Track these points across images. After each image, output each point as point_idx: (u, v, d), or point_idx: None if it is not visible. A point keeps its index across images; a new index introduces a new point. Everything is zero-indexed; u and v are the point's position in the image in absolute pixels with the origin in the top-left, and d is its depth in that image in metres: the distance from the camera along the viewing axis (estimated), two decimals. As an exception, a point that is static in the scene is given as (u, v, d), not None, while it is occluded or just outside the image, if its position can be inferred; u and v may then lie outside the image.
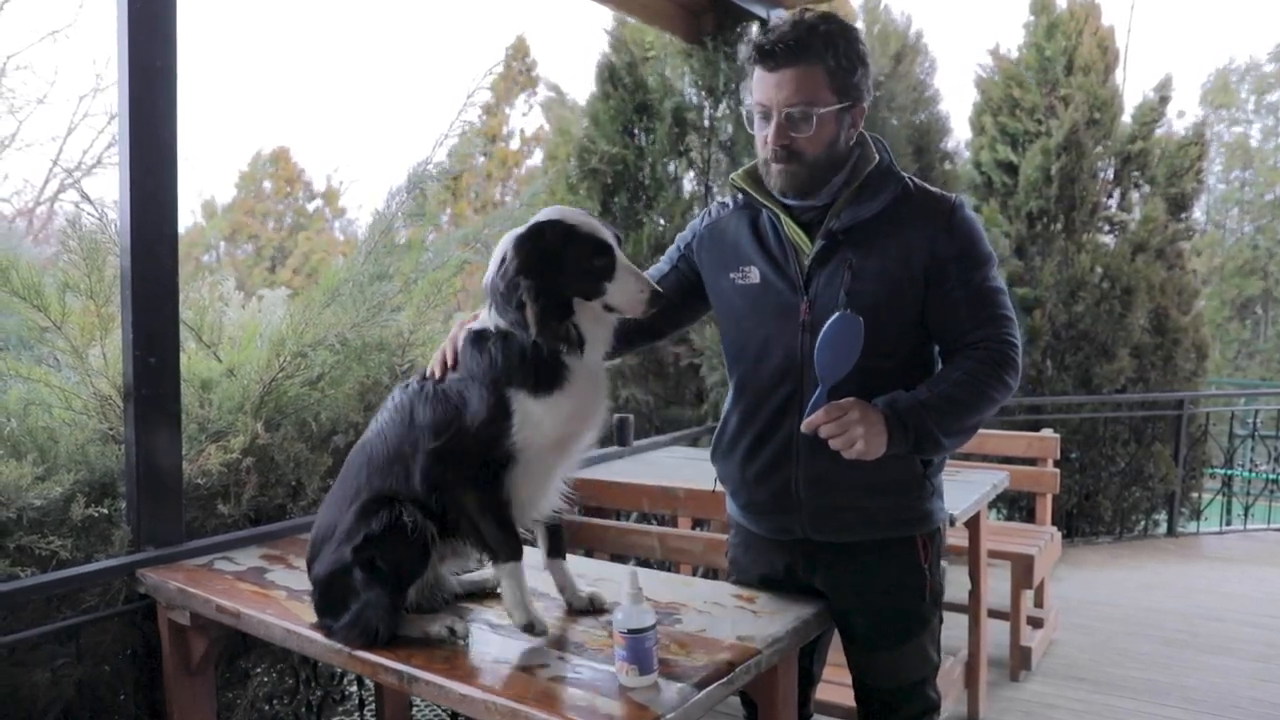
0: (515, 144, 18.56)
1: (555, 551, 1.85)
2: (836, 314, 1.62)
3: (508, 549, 1.67)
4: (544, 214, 1.62)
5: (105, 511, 2.27)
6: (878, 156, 1.75)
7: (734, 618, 1.79)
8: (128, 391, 2.26)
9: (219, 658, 2.26)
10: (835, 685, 2.20)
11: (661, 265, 2.00)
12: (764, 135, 1.70)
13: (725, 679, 1.53)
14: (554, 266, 1.56)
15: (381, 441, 1.72)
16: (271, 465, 2.64)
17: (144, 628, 2.26)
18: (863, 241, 1.71)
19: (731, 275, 1.85)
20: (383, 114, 39.55)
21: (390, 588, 1.65)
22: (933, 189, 1.77)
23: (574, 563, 2.26)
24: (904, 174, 1.77)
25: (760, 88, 1.69)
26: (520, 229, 1.61)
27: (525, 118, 19.28)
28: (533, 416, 1.61)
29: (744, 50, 1.79)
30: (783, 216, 1.77)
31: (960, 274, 1.69)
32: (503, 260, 1.60)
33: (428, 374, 1.73)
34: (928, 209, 1.72)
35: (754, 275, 1.81)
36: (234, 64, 41.50)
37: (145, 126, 2.22)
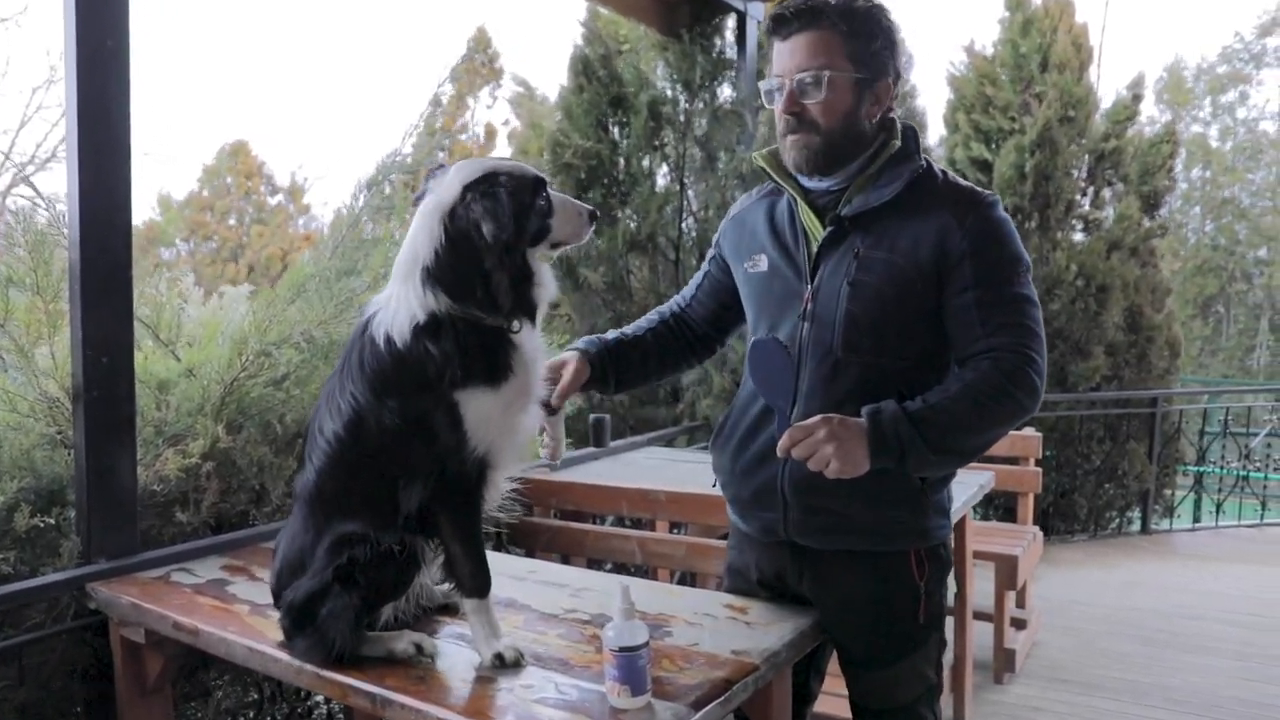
0: (480, 138, 18.34)
1: (551, 411, 1.77)
2: (752, 341, 1.57)
3: (476, 581, 1.56)
4: (468, 171, 1.49)
5: (53, 521, 2.13)
6: (899, 143, 1.67)
7: (727, 630, 1.69)
8: (77, 393, 2.12)
9: (176, 676, 2.13)
10: (832, 697, 2.11)
11: (698, 274, 1.97)
12: (778, 107, 1.63)
13: (722, 698, 1.44)
14: (517, 222, 1.46)
15: (326, 479, 1.56)
16: (233, 470, 2.51)
17: (95, 645, 2.12)
18: (871, 229, 1.62)
19: (745, 264, 1.79)
20: (348, 107, 39.13)
21: (360, 603, 1.53)
22: (964, 182, 1.67)
23: (554, 570, 2.17)
24: (933, 164, 1.68)
25: (776, 59, 1.63)
26: (447, 197, 1.47)
27: (490, 110, 19.10)
28: (486, 412, 1.48)
29: (762, 28, 1.71)
30: (799, 201, 1.69)
31: (976, 274, 1.56)
32: (444, 234, 1.45)
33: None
34: (949, 201, 1.60)
35: (763, 263, 1.74)
36: (197, 55, 40.81)
37: (96, 111, 2.08)
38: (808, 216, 1.68)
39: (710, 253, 1.94)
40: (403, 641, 1.58)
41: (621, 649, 1.35)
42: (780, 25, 1.60)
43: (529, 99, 5.27)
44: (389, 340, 1.49)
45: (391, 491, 1.53)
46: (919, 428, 1.49)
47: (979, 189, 1.65)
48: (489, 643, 1.55)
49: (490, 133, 18.24)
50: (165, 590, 2.02)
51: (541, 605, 1.85)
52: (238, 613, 1.87)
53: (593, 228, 1.61)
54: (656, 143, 4.79)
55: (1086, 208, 6.22)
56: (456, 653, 1.63)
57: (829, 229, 1.64)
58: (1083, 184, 6.19)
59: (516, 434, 1.56)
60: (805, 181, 1.69)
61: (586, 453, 3.58)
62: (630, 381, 1.91)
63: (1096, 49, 6.33)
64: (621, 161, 4.72)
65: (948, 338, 1.62)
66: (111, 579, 2.08)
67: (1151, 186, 6.19)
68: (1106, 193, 6.25)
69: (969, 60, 6.46)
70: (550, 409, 1.73)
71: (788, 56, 1.60)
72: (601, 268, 4.62)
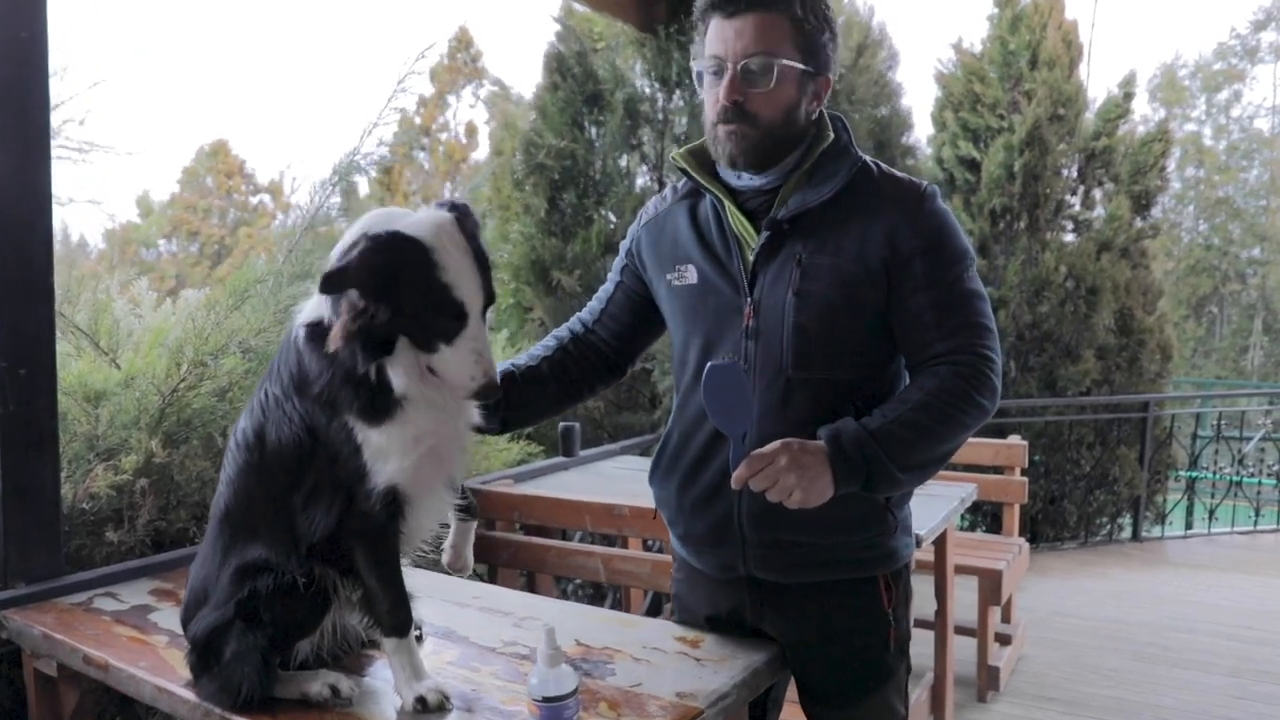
0: (460, 136, 18.20)
1: (467, 513, 1.62)
2: (708, 365, 1.40)
3: (395, 618, 1.42)
4: (418, 224, 1.28)
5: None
6: (833, 135, 1.54)
7: (675, 667, 1.56)
8: (-8, 408, 1.98)
9: (95, 712, 1.99)
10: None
11: (607, 285, 1.77)
12: (715, 93, 1.48)
13: (660, 750, 1.31)
14: (392, 294, 1.25)
15: (234, 493, 1.45)
16: (172, 485, 2.38)
17: (12, 676, 1.99)
18: (814, 232, 1.48)
19: (668, 276, 1.62)
20: (329, 104, 38.91)
21: (268, 642, 1.40)
22: (901, 175, 1.54)
23: (498, 596, 2.04)
24: (867, 158, 1.55)
25: (716, 38, 1.47)
26: (381, 227, 1.27)
27: (473, 110, 18.95)
28: (378, 448, 1.34)
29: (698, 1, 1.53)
30: (727, 203, 1.54)
31: (926, 272, 1.45)
32: (350, 249, 1.28)
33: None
34: (891, 196, 1.49)
35: (691, 274, 1.58)
36: (175, 54, 40.60)
37: (11, 104, 1.95)
38: (737, 220, 1.54)
39: (619, 262, 1.75)
40: (318, 683, 1.45)
41: (545, 699, 1.22)
42: (725, 1, 1.45)
43: (504, 98, 5.14)
44: (296, 336, 1.39)
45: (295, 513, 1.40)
46: (883, 445, 1.37)
47: (918, 180, 1.53)
48: (410, 685, 1.42)
49: (471, 130, 18.09)
50: (83, 619, 1.88)
51: (480, 637, 1.72)
52: (154, 645, 1.73)
53: (479, 400, 1.35)
54: (634, 141, 4.67)
55: (1077, 208, 6.11)
56: (381, 693, 1.49)
57: (765, 234, 1.50)
58: (1073, 183, 6.08)
59: (428, 481, 1.42)
60: (733, 180, 1.55)
61: (555, 462, 3.45)
62: (518, 421, 1.71)
63: (1086, 46, 6.21)
64: (598, 160, 4.60)
65: (896, 343, 1.51)
66: (28, 606, 1.94)
67: (1143, 186, 6.08)
68: (1097, 193, 6.14)
69: (957, 57, 6.34)
70: (463, 511, 1.58)
71: (733, 37, 1.45)
72: (577, 271, 4.49)
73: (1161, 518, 6.08)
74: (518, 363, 1.71)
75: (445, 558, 1.63)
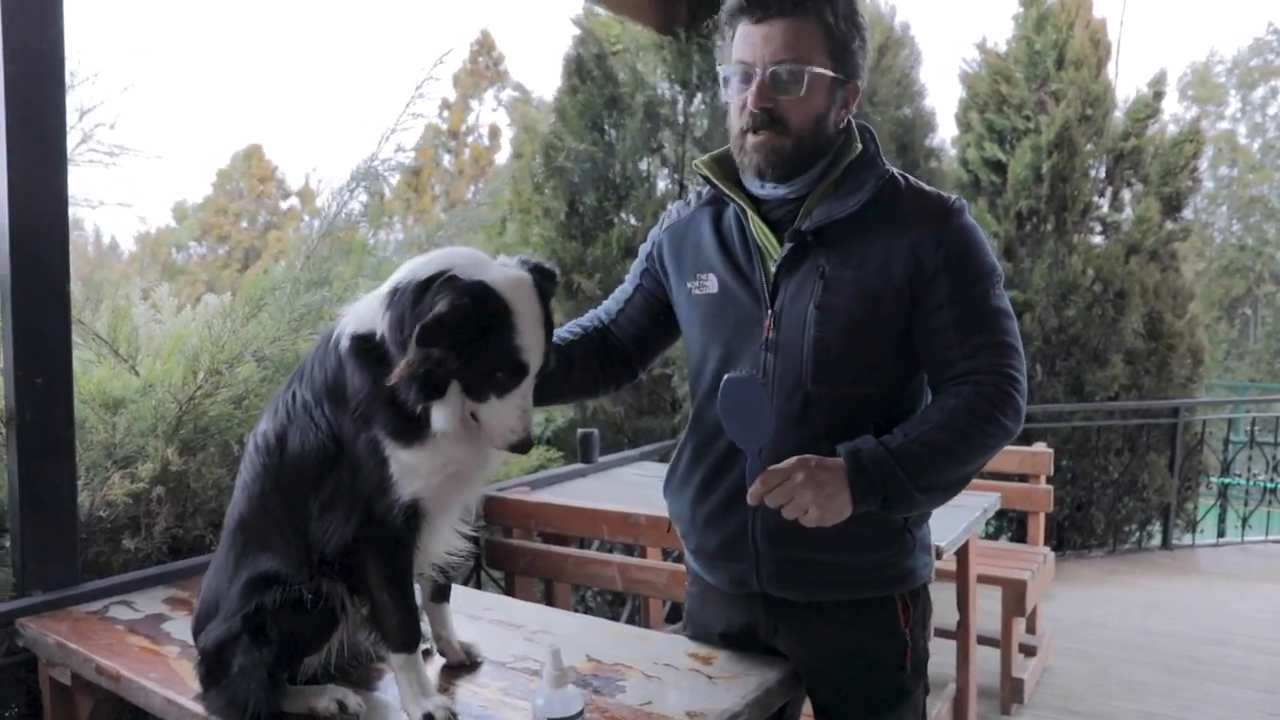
0: (484, 141, 18.30)
1: (440, 595, 1.60)
2: (726, 377, 1.37)
3: (403, 635, 1.41)
4: (505, 281, 1.29)
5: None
6: (860, 146, 1.51)
7: (686, 684, 1.54)
8: (9, 416, 1.99)
9: (113, 719, 2.00)
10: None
11: (626, 286, 1.75)
12: (742, 99, 1.45)
13: (669, 771, 1.29)
14: (468, 347, 1.26)
15: (249, 499, 1.45)
16: (188, 493, 2.39)
17: (29, 683, 2.00)
18: (838, 245, 1.45)
19: (689, 284, 1.59)
20: (361, 108, 39.23)
21: (275, 657, 1.39)
22: (929, 188, 1.51)
23: (513, 609, 2.02)
24: (895, 170, 1.52)
25: (743, 44, 1.44)
26: (467, 273, 1.28)
27: (495, 113, 19.04)
28: (405, 465, 1.35)
29: (727, 4, 1.49)
30: (750, 212, 1.51)
31: (951, 289, 1.42)
32: (434, 288, 1.28)
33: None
34: (917, 211, 1.46)
35: (711, 284, 1.55)
36: (213, 60, 41.08)
37: (27, 115, 1.96)
38: (760, 230, 1.51)
39: (640, 265, 1.72)
40: (325, 698, 1.43)
41: (550, 720, 1.20)
42: (754, 6, 1.42)
43: (524, 102, 5.14)
44: (338, 343, 1.39)
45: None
46: (903, 464, 1.34)
47: (946, 194, 1.50)
48: (417, 702, 1.40)
49: (495, 133, 18.18)
50: (97, 628, 1.89)
51: (491, 651, 1.70)
52: (166, 656, 1.73)
53: (513, 451, 1.36)
54: (654, 144, 4.64)
55: (1105, 210, 6.01)
56: (389, 709, 1.48)
57: (788, 245, 1.47)
58: (1101, 185, 5.98)
59: (448, 500, 1.42)
60: (757, 190, 1.51)
61: (573, 469, 3.43)
62: (541, 394, 1.66)
63: (1115, 45, 6.11)
64: (617, 164, 4.57)
65: (919, 360, 1.47)
66: (45, 614, 1.95)
67: (1173, 187, 5.97)
68: (1126, 194, 6.04)
69: (981, 57, 6.26)
70: (438, 592, 1.58)
71: (760, 43, 1.42)
72: (597, 274, 4.48)
73: (1192, 525, 5.96)
74: None
75: (438, 649, 1.62)
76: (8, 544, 2.06)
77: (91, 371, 2.41)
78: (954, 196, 1.49)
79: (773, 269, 1.49)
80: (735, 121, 1.48)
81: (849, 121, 1.53)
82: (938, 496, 1.42)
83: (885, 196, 1.47)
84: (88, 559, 2.18)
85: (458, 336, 1.25)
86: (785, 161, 1.45)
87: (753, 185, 1.52)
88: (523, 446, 1.33)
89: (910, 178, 1.54)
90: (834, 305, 1.44)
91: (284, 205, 19.76)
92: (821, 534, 1.37)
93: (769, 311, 1.48)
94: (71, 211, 2.19)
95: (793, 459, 1.34)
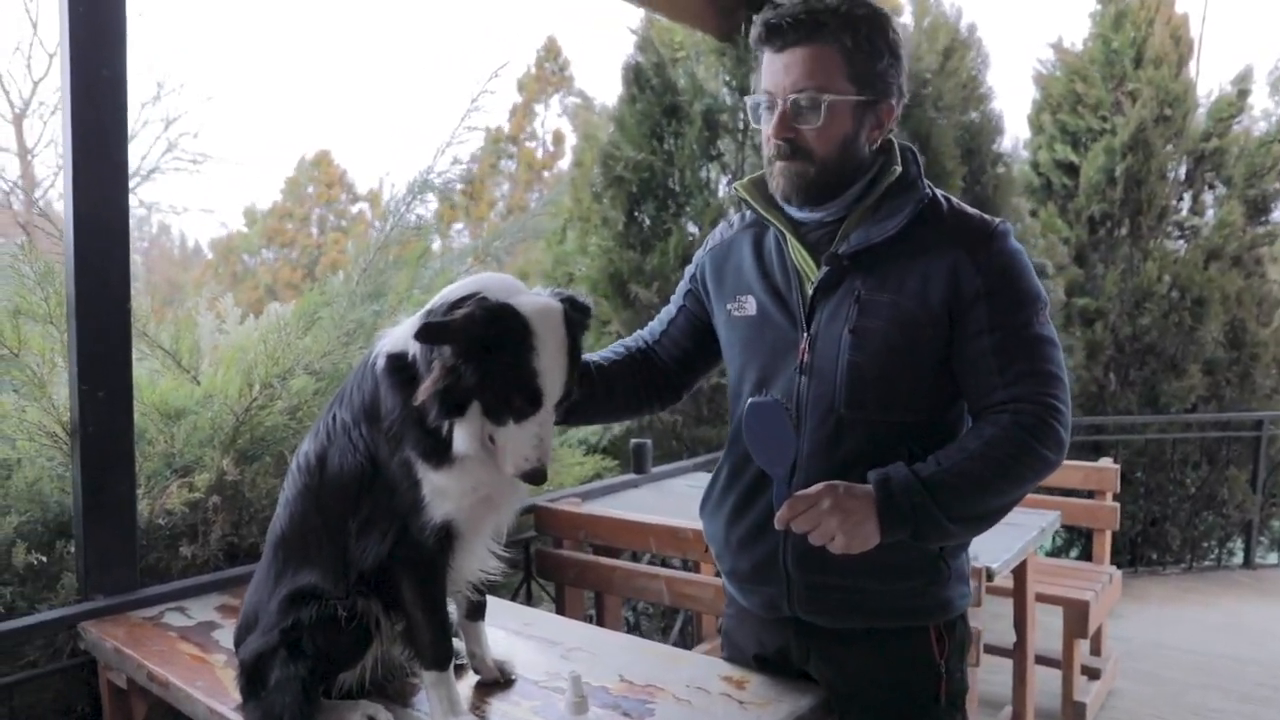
0: (547, 146, 18.49)
1: (475, 613, 1.62)
2: (749, 401, 1.36)
3: (437, 652, 1.43)
4: (531, 305, 1.30)
5: (44, 559, 2.10)
6: (900, 168, 1.48)
7: (718, 709, 1.52)
8: (73, 427, 2.08)
9: (167, 722, 2.07)
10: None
11: (670, 308, 1.76)
12: (769, 129, 1.45)
13: (691, 802, 1.27)
14: (483, 362, 1.27)
15: (290, 516, 1.49)
16: (243, 502, 2.45)
17: (91, 685, 2.08)
18: (874, 269, 1.43)
19: (729, 306, 1.59)
20: (429, 113, 39.89)
21: (311, 671, 1.42)
22: (971, 211, 1.48)
23: (553, 625, 2.03)
24: (939, 192, 1.49)
25: (768, 73, 1.44)
26: (497, 294, 1.31)
27: (560, 119, 19.18)
28: (437, 487, 1.36)
29: (752, 33, 1.49)
30: (788, 235, 1.50)
31: (992, 316, 1.38)
32: (460, 304, 1.31)
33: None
34: (957, 234, 1.42)
35: (750, 306, 1.55)
36: (283, 68, 42.27)
37: (91, 140, 2.04)
38: (799, 254, 1.50)
39: (684, 286, 1.73)
40: (357, 713, 1.47)
41: (568, 748, 1.20)
42: (774, 35, 1.42)
43: (586, 109, 5.15)
44: (374, 364, 1.42)
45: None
46: (934, 494, 1.31)
47: (989, 218, 1.46)
48: (447, 719, 1.42)
49: (558, 139, 18.31)
50: (152, 634, 1.95)
51: (525, 668, 1.71)
52: (212, 664, 1.78)
53: (527, 480, 1.35)
54: (714, 151, 4.62)
55: (1184, 214, 5.78)
56: (420, 726, 1.50)
57: (825, 269, 1.45)
58: (1180, 188, 5.76)
59: (479, 522, 1.44)
60: (794, 213, 1.51)
61: (625, 479, 3.43)
62: (581, 417, 1.70)
63: (1197, 41, 5.88)
64: (676, 173, 4.56)
65: (959, 387, 1.43)
66: (105, 618, 2.03)
67: (1259, 189, 5.72)
68: (1207, 197, 5.80)
69: (1056, 57, 6.08)
70: (473, 610, 1.61)
71: (781, 72, 1.42)
72: (655, 283, 4.47)
73: (1277, 544, 5.69)
74: (590, 357, 1.70)
75: (473, 666, 1.64)
76: (73, 549, 2.15)
77: (157, 382, 2.50)
78: (998, 220, 1.46)
79: (810, 292, 1.48)
80: (765, 148, 1.48)
81: (891, 141, 1.51)
82: (971, 527, 1.38)
83: (926, 219, 1.44)
84: (147, 564, 2.26)
85: (470, 346, 1.26)
86: (810, 187, 1.44)
87: (790, 208, 1.51)
88: (536, 477, 1.32)
89: (953, 199, 1.50)
90: (869, 330, 1.41)
91: (354, 210, 20.22)
92: (851, 560, 1.35)
93: (805, 335, 1.47)
94: (157, 217, 2.30)
95: (821, 485, 1.32)
